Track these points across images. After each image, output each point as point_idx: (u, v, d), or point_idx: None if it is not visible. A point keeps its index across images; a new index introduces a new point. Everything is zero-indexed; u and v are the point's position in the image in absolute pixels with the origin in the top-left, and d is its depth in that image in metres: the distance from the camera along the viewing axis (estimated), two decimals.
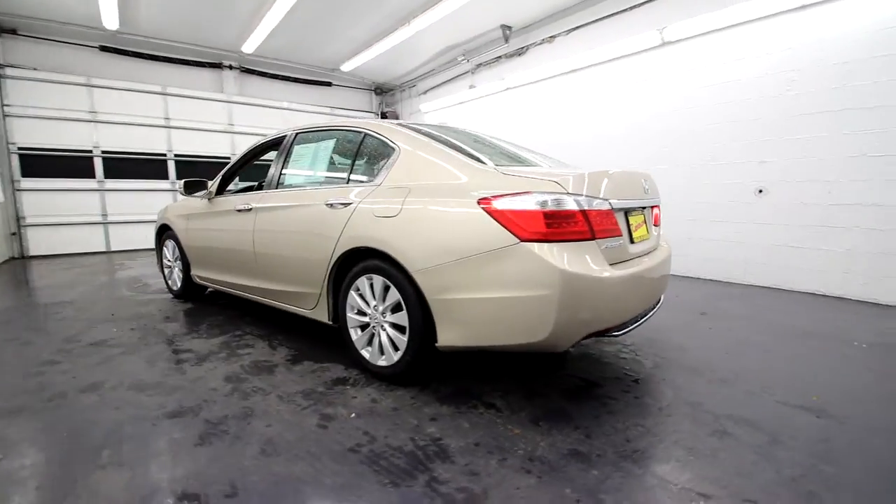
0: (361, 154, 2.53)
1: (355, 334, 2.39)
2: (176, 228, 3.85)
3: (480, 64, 7.74)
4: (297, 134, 2.98)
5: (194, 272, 3.75)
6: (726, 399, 2.09)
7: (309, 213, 2.55)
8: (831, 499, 1.42)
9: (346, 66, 8.45)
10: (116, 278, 5.21)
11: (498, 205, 1.83)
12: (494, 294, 1.83)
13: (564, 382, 2.29)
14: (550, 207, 1.76)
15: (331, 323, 2.54)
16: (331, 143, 2.73)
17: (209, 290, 4.09)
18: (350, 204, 2.33)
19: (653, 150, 5.32)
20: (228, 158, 8.30)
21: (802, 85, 4.10)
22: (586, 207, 1.81)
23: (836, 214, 3.97)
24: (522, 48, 6.94)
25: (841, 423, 1.88)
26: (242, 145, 8.39)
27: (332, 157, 2.71)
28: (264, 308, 3.72)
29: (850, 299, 3.89)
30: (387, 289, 2.19)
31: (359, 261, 2.31)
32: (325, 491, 1.45)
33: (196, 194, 3.68)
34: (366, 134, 2.52)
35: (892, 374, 2.39)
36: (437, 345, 2.02)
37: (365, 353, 2.35)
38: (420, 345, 2.08)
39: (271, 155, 3.34)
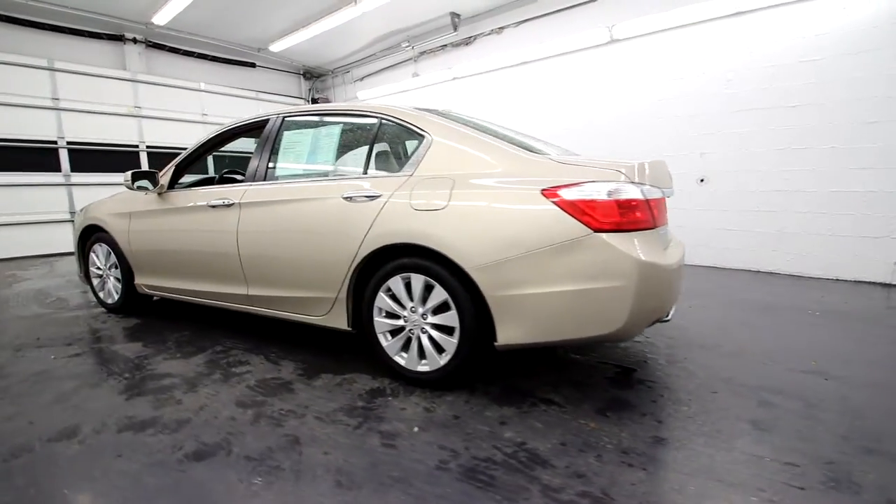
0: (379, 142, 2.29)
1: (385, 340, 2.18)
2: (112, 230, 3.21)
3: (424, 52, 7.56)
4: (284, 118, 2.62)
5: (140, 281, 3.16)
6: (748, 371, 2.27)
7: (320, 209, 2.25)
8: (886, 448, 1.60)
9: (276, 47, 7.72)
10: (16, 292, 4.23)
11: (566, 195, 1.76)
12: (566, 287, 1.77)
13: (600, 370, 2.32)
14: (622, 196, 1.74)
15: (350, 330, 2.30)
16: (336, 130, 2.44)
17: (156, 298, 3.48)
18: (377, 197, 2.10)
19: (601, 144, 5.63)
20: (135, 146, 7.17)
21: (737, 84, 4.60)
22: (648, 196, 1.82)
23: (767, 200, 4.54)
24: (470, 38, 6.90)
25: (845, 383, 2.14)
26: (152, 131, 7.30)
27: (339, 146, 2.42)
28: (235, 316, 3.27)
29: (781, 274, 4.49)
30: (428, 288, 2.02)
31: (389, 259, 2.10)
32: None
33: (140, 187, 3.08)
34: (383, 120, 2.29)
35: (854, 336, 2.79)
36: (496, 344, 1.91)
37: (399, 360, 2.15)
38: (472, 346, 1.96)
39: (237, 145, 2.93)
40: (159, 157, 7.36)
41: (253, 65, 8.51)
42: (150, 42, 7.25)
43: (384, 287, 2.13)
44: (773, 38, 4.35)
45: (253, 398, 2.04)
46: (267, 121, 2.71)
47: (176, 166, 3.02)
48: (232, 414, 1.89)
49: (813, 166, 4.27)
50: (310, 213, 2.28)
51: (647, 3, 5.03)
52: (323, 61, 8.89)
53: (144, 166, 7.26)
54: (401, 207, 2.04)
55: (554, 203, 1.77)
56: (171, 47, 7.46)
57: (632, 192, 1.76)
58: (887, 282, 3.99)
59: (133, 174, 2.91)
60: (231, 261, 2.60)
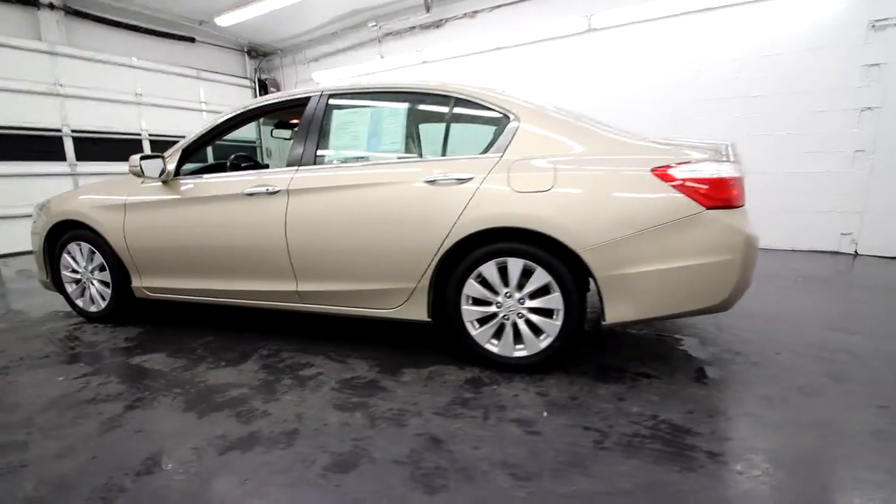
0: (455, 122, 2.17)
1: (473, 328, 2.11)
2: (98, 226, 2.72)
3: (390, 33, 7.27)
4: (329, 97, 2.38)
5: (141, 283, 2.73)
6: (791, 333, 2.52)
7: (397, 194, 2.10)
8: None
9: (224, 21, 6.96)
10: None
11: (677, 174, 1.81)
12: (677, 263, 1.83)
13: (667, 343, 2.44)
14: (727, 175, 1.82)
15: (428, 321, 2.19)
16: (401, 110, 2.27)
17: (148, 300, 3.04)
18: (469, 180, 2.01)
19: None
20: (58, 130, 6.13)
21: (706, 75, 5.01)
22: (740, 175, 1.93)
23: None
24: (441, 20, 6.76)
25: (869, 337, 2.46)
26: (78, 113, 6.27)
27: (406, 126, 2.25)
28: (253, 315, 2.96)
29: None
30: (525, 272, 1.98)
31: (479, 244, 2.03)
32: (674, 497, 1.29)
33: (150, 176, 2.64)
34: (457, 98, 2.17)
35: (845, 296, 3.22)
36: (603, 323, 1.93)
37: (491, 347, 2.10)
38: (576, 327, 1.96)
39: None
40: (87, 144, 6.37)
41: (192, 39, 7.61)
42: (71, 9, 6.18)
43: (475, 273, 2.05)
44: (739, 33, 4.78)
45: (348, 400, 1.87)
46: (306, 100, 2.45)
47: (183, 150, 2.64)
48: (340, 419, 1.72)
49: (771, 150, 4.80)
50: (384, 199, 2.12)
51: None
52: (272, 38, 8.21)
53: (69, 154, 6.24)
54: (499, 190, 1.96)
55: (665, 182, 1.82)
56: (96, 16, 6.41)
57: (732, 171, 1.86)
58: (836, 250, 4.64)
59: (142, 158, 2.48)
60: (276, 255, 2.34)
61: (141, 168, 2.47)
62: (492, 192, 1.97)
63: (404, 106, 2.26)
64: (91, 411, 1.83)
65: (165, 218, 2.58)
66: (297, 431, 1.65)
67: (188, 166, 2.81)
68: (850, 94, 4.34)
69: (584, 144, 1.98)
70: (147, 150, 7.06)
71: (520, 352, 2.07)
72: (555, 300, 1.96)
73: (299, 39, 8.16)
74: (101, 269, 2.85)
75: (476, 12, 6.44)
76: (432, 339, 2.51)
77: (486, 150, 2.08)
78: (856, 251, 4.57)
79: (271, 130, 3.73)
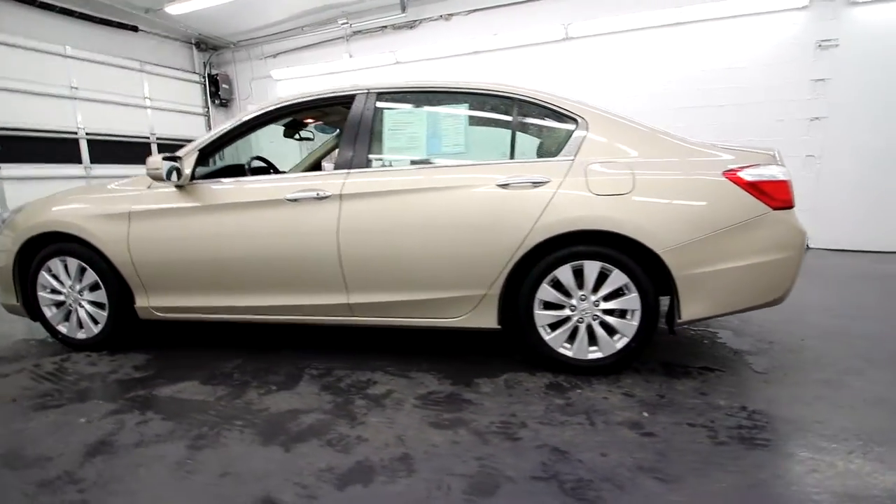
0: (520, 124, 2.14)
1: (546, 333, 2.09)
2: (94, 237, 2.35)
3: (359, 32, 7.05)
4: (376, 95, 2.25)
5: (149, 303, 2.39)
6: (804, 321, 2.77)
7: (469, 198, 2.02)
8: None
9: (174, 9, 6.34)
10: None
11: (747, 176, 1.92)
12: (747, 261, 1.93)
13: (706, 335, 2.58)
14: (786, 177, 1.96)
15: (497, 328, 2.13)
16: (461, 110, 2.19)
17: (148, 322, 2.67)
18: (544, 183, 1.98)
19: None
20: None
21: (676, 86, 5.39)
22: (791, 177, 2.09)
23: None
24: (414, 21, 6.66)
25: (871, 321, 2.76)
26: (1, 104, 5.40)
27: (468, 128, 2.18)
28: (275, 332, 2.71)
29: None
30: (601, 274, 2.00)
31: (554, 248, 2.01)
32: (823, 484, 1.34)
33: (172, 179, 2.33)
34: (523, 101, 2.14)
35: (822, 284, 3.60)
36: (678, 321, 1.99)
37: (564, 351, 2.09)
38: (652, 326, 2.01)
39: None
40: (14, 143, 5.51)
41: (135, 28, 6.85)
42: None
43: (549, 277, 2.04)
44: (706, 48, 5.20)
45: (441, 417, 1.77)
46: (349, 98, 2.29)
47: (200, 151, 2.36)
48: (446, 438, 1.62)
49: None
50: (453, 204, 2.03)
51: (600, 4, 5.53)
52: (226, 31, 7.62)
53: None
54: (578, 193, 1.96)
55: (736, 184, 1.92)
56: None
57: (786, 174, 2.01)
58: None
59: (165, 159, 2.17)
60: (325, 265, 2.16)
61: (165, 172, 2.16)
62: (571, 196, 1.96)
63: (465, 107, 2.19)
64: (149, 456, 1.57)
65: (184, 228, 2.28)
66: (409, 456, 1.53)
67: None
68: (802, 106, 4.89)
69: (651, 148, 2.04)
70: (84, 150, 6.25)
71: (594, 354, 2.08)
72: (631, 301, 1.99)
73: (257, 33, 7.65)
74: (94, 288, 2.47)
75: (451, 15, 6.43)
76: (485, 346, 2.46)
77: (556, 154, 2.07)
78: (807, 245, 5.14)
79: (284, 133, 3.44)
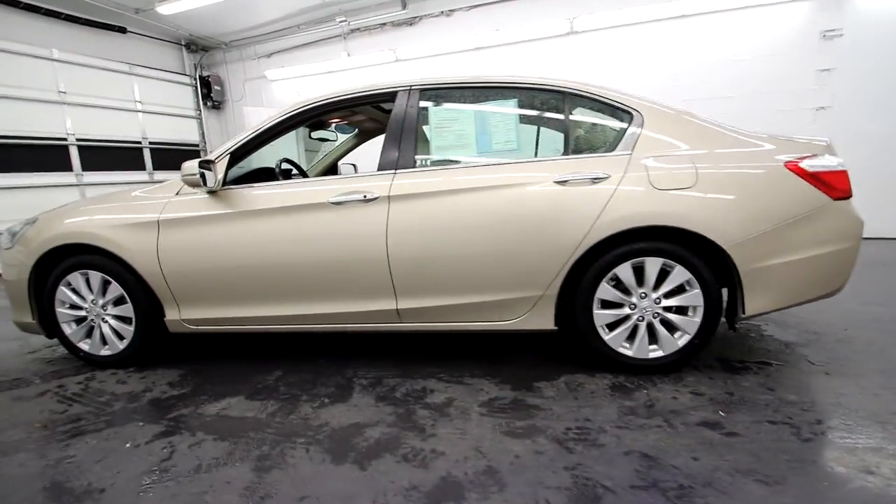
0: (573, 119, 2.07)
1: (605, 332, 2.03)
2: (123, 249, 2.21)
3: (357, 30, 6.91)
4: (420, 91, 2.16)
5: (182, 316, 2.27)
6: (838, 310, 2.76)
7: (525, 196, 1.95)
8: None
9: (165, 8, 6.12)
10: None
11: (808, 167, 1.89)
12: (809, 253, 1.90)
13: (751, 329, 2.56)
14: (844, 167, 1.94)
15: (554, 329, 2.07)
16: (510, 106, 2.11)
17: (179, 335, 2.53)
18: (604, 178, 1.92)
19: None
20: None
21: (682, 78, 5.40)
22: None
23: None
24: (414, 18, 6.56)
25: None
26: None
27: (518, 124, 2.10)
28: (308, 340, 2.61)
29: None
30: (662, 271, 1.95)
31: (614, 245, 1.95)
32: None
33: (188, 183, 2.21)
34: (572, 94, 2.07)
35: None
36: (742, 315, 1.96)
37: (624, 351, 2.04)
38: (714, 321, 1.97)
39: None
40: (2, 151, 5.25)
41: (123, 30, 6.60)
42: None
43: (608, 276, 1.98)
44: (711, 39, 5.22)
45: (513, 425, 1.70)
46: (389, 95, 2.20)
47: (231, 154, 2.24)
48: (527, 448, 1.55)
49: None
50: (508, 203, 1.96)
51: None
52: (218, 31, 7.40)
53: None
54: (640, 188, 1.91)
55: (798, 175, 1.89)
56: None
57: (843, 164, 1.98)
58: None
59: (201, 164, 2.04)
60: (372, 270, 2.07)
61: (203, 178, 2.04)
62: (632, 191, 1.91)
63: (514, 102, 2.12)
64: (213, 482, 1.46)
65: (219, 235, 2.16)
66: (494, 469, 1.45)
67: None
68: (807, 96, 4.94)
69: (709, 141, 1.99)
70: (75, 156, 6.00)
71: (654, 352, 2.03)
72: (694, 297, 1.95)
73: (250, 33, 7.45)
74: (118, 302, 2.33)
75: (452, 11, 6.35)
76: (533, 348, 2.39)
77: (613, 149, 2.02)
78: None
79: (309, 132, 3.32)
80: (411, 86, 2.18)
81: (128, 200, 2.35)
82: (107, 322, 2.37)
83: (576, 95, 2.08)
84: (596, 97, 2.07)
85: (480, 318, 2.10)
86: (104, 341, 2.40)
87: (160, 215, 2.22)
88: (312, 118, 2.34)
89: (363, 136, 3.59)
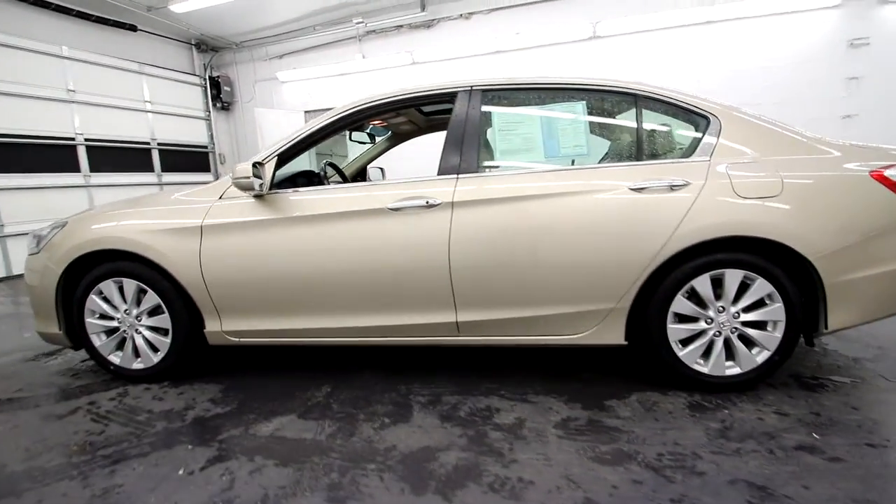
0: (645, 123, 1.97)
1: (679, 348, 1.93)
2: (163, 256, 2.07)
3: (372, 31, 6.82)
4: (481, 92, 2.05)
5: (224, 327, 2.14)
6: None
7: (599, 204, 1.84)
8: None
9: (178, 7, 6.00)
10: None
11: (893, 176, 1.80)
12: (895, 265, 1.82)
13: (814, 346, 2.47)
14: None
15: (624, 343, 1.96)
16: (577, 109, 2.01)
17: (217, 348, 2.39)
18: (683, 186, 1.82)
19: None
20: None
21: (706, 83, 5.34)
22: None
23: None
24: (432, 20, 6.48)
25: None
26: None
27: (586, 128, 2.00)
28: (352, 351, 2.48)
29: None
30: (742, 283, 1.85)
31: (692, 256, 1.85)
32: None
33: (224, 186, 2.10)
34: (644, 96, 1.98)
35: None
36: (825, 330, 1.86)
37: (699, 367, 1.93)
38: (795, 337, 1.87)
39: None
40: (6, 150, 5.08)
41: (133, 28, 6.46)
42: None
43: (685, 288, 1.88)
44: (738, 46, 5.18)
45: (598, 449, 1.58)
46: (448, 96, 2.09)
47: (279, 156, 2.11)
48: (622, 477, 1.43)
49: None
50: (581, 211, 1.85)
51: (628, 2, 5.45)
52: (229, 31, 7.28)
53: None
54: (722, 197, 1.81)
55: (884, 185, 1.80)
56: None
57: None
58: None
59: (255, 166, 1.92)
60: (432, 280, 1.95)
61: (253, 180, 1.92)
62: (715, 200, 1.81)
63: (581, 105, 2.01)
64: None
65: (268, 242, 2.04)
66: (594, 502, 1.34)
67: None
68: (835, 104, 4.90)
69: (789, 147, 1.90)
70: (83, 156, 5.83)
71: (731, 369, 1.93)
72: (775, 311, 1.85)
73: (262, 33, 7.34)
74: (154, 312, 2.19)
75: (471, 14, 6.28)
76: (592, 361, 2.28)
77: (689, 154, 1.92)
78: None
79: (349, 135, 3.20)
80: (472, 86, 2.07)
81: (167, 204, 2.22)
82: (140, 333, 2.23)
83: (648, 98, 1.98)
84: (670, 100, 1.97)
85: (546, 332, 1.99)
86: (137, 354, 2.26)
87: (203, 220, 2.09)
88: (366, 118, 2.23)
89: (396, 140, 3.49)
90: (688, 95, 2.00)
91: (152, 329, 2.23)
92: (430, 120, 3.19)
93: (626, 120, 2.00)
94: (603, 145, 2.00)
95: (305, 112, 7.71)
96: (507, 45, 6.11)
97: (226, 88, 7.88)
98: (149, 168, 6.75)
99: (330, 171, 2.65)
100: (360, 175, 3.56)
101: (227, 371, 2.39)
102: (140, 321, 2.23)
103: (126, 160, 6.37)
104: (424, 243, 1.93)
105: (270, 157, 2.10)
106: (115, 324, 2.24)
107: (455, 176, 1.97)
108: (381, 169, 3.83)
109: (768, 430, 1.66)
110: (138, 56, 6.60)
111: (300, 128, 2.15)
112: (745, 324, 1.89)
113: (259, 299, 2.10)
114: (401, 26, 6.64)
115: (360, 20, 6.49)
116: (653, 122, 1.99)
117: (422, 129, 3.36)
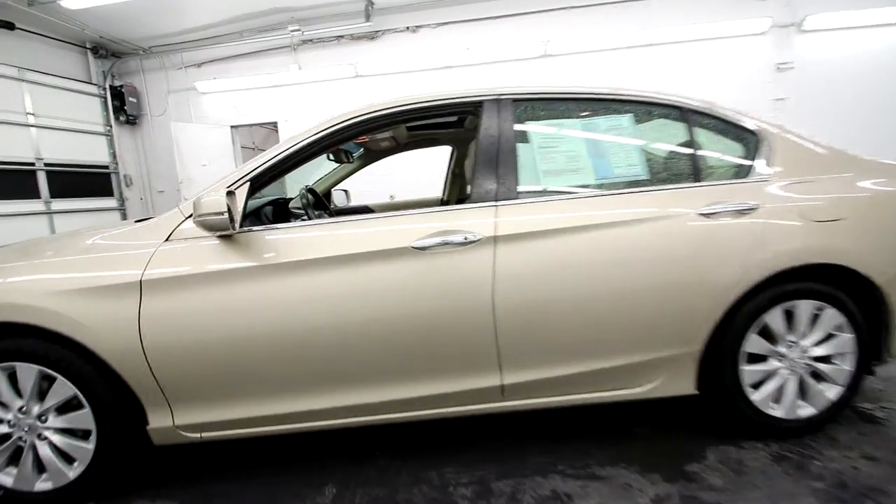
0: (698, 140, 1.74)
1: (751, 392, 1.69)
2: (82, 325, 1.42)
3: (309, 41, 6.24)
4: (514, 102, 1.70)
5: (177, 421, 1.52)
6: None
7: (663, 233, 1.56)
8: None
9: (71, 2, 4.98)
10: None
11: None
12: None
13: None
14: None
15: (695, 392, 1.69)
16: (623, 123, 1.72)
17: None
18: (752, 209, 1.60)
19: None
20: None
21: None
22: None
23: None
24: (376, 32, 6.07)
25: None
26: None
27: (635, 145, 1.72)
28: (343, 434, 1.95)
29: None
30: (814, 315, 1.67)
31: (762, 288, 1.64)
32: None
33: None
34: (694, 110, 1.76)
35: None
36: (887, 359, 1.73)
37: (772, 411, 1.70)
38: (863, 368, 1.73)
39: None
40: None
41: (11, 26, 5.25)
42: None
43: (756, 324, 1.65)
44: (676, 67, 5.42)
45: None
46: (476, 105, 1.71)
47: (251, 183, 1.58)
48: None
49: None
50: (646, 241, 1.56)
51: (577, 22, 5.50)
52: (135, 35, 6.25)
53: None
54: (792, 221, 1.62)
55: None
56: None
57: None
58: None
59: (230, 193, 1.36)
60: (471, 335, 1.54)
61: (231, 215, 1.37)
62: (785, 224, 1.61)
63: (628, 118, 1.74)
64: None
65: (243, 299, 1.48)
66: None
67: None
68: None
69: (845, 166, 1.78)
70: None
71: (804, 410, 1.73)
72: (846, 343, 1.69)
73: (176, 38, 6.40)
74: (67, 407, 1.52)
75: (419, 27, 5.98)
76: (626, 410, 1.98)
77: (746, 174, 1.72)
78: None
79: (328, 155, 2.66)
80: (501, 95, 1.72)
81: (81, 251, 1.56)
82: (46, 440, 1.54)
83: (696, 112, 1.77)
84: (720, 116, 1.78)
85: (607, 388, 1.66)
86: (40, 468, 1.55)
87: (144, 273, 1.48)
88: (367, 131, 1.77)
89: (367, 159, 3.03)
90: (732, 110, 1.83)
91: (65, 432, 1.54)
92: (414, 136, 2.79)
93: (678, 136, 1.76)
94: (656, 164, 1.73)
95: (232, 127, 6.86)
96: (457, 60, 5.89)
97: (131, 100, 6.76)
98: (33, 194, 5.49)
99: (311, 199, 2.13)
100: (326, 199, 3.05)
101: (187, 474, 1.74)
102: (45, 422, 1.53)
103: (4, 184, 5.11)
104: (462, 290, 1.52)
105: (241, 183, 1.56)
106: (3, 429, 1.53)
107: (493, 204, 1.58)
108: (346, 191, 3.34)
109: (873, 484, 1.46)
110: (17, 60, 5.38)
111: (283, 142, 1.63)
112: (816, 358, 1.71)
113: (232, 377, 1.52)
114: (341, 37, 6.14)
115: (297, 27, 5.89)
116: (706, 138, 1.78)
117: (399, 147, 2.94)
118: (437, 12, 5.86)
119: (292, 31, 5.91)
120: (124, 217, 6.75)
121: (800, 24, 5.12)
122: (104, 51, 6.53)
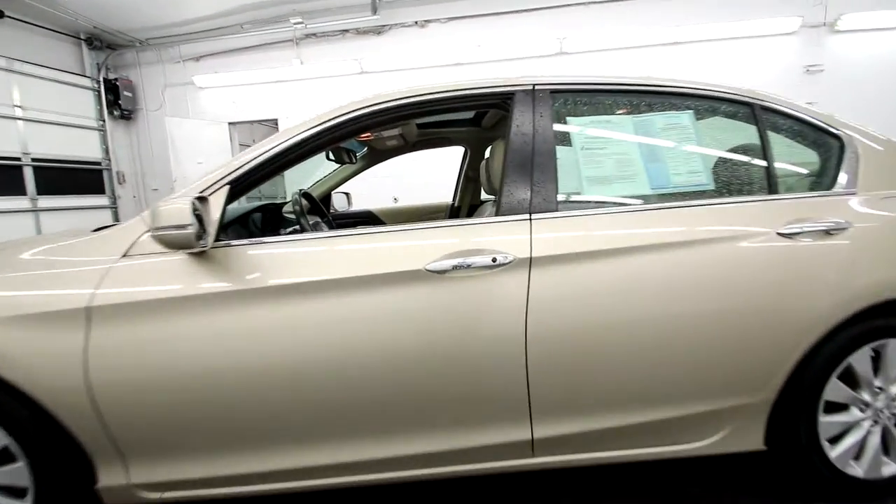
0: (772, 144, 1.45)
1: (834, 449, 1.40)
2: (15, 363, 1.15)
3: (312, 34, 5.98)
4: (552, 93, 1.41)
5: (133, 479, 1.23)
6: None
7: (737, 257, 1.28)
8: None
9: None
10: None
11: None
12: None
13: None
14: None
15: (763, 448, 1.40)
16: (683, 120, 1.43)
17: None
18: (843, 229, 1.32)
19: None
20: None
21: None
22: None
23: None
24: (383, 27, 5.80)
25: None
26: None
27: (694, 147, 1.43)
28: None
29: None
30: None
31: (852, 324, 1.35)
32: None
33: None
34: (766, 108, 1.48)
35: None
36: None
37: (852, 471, 1.41)
38: None
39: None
40: None
41: (0, 14, 5.00)
42: None
43: (840, 367, 1.36)
44: (701, 67, 5.13)
45: None
46: (506, 96, 1.43)
47: (231, 186, 1.30)
48: None
49: None
50: (720, 266, 1.27)
51: (595, 19, 5.23)
52: (131, 26, 5.98)
53: None
54: (886, 243, 1.33)
55: None
56: None
57: None
58: None
59: (197, 202, 1.09)
60: (498, 379, 1.25)
61: (201, 227, 1.09)
62: (880, 248, 1.33)
63: (688, 116, 1.45)
64: None
65: (217, 329, 1.20)
66: None
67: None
68: None
69: None
70: None
71: (887, 468, 1.44)
72: None
73: (174, 30, 6.14)
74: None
75: (427, 22, 5.70)
76: (666, 464, 1.69)
77: (830, 186, 1.43)
78: None
79: (327, 154, 2.38)
80: (535, 84, 1.42)
81: (14, 268, 1.28)
82: None
83: (770, 110, 1.48)
84: (797, 115, 1.49)
85: (657, 443, 1.36)
86: None
87: (94, 297, 1.20)
88: (370, 127, 1.47)
89: (371, 159, 2.75)
90: (811, 109, 1.54)
91: None
92: (425, 134, 2.50)
93: (748, 138, 1.48)
94: (719, 171, 1.45)
95: (230, 123, 6.60)
96: (467, 57, 5.61)
97: (126, 94, 6.50)
98: (18, 190, 5.22)
99: (306, 205, 1.84)
100: (325, 203, 2.77)
101: None
102: None
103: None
104: (487, 325, 1.23)
105: (217, 187, 1.28)
106: None
107: (527, 217, 1.29)
108: (347, 194, 3.06)
109: None
110: (5, 49, 5.12)
111: (272, 137, 1.34)
112: None
113: (202, 426, 1.24)
114: (346, 31, 5.87)
115: (300, 20, 5.62)
116: (778, 141, 1.49)
117: (407, 146, 2.66)
118: (447, 6, 5.59)
119: (295, 23, 5.65)
120: (116, 216, 6.48)
121: (833, 23, 4.84)
122: (99, 42, 6.27)
